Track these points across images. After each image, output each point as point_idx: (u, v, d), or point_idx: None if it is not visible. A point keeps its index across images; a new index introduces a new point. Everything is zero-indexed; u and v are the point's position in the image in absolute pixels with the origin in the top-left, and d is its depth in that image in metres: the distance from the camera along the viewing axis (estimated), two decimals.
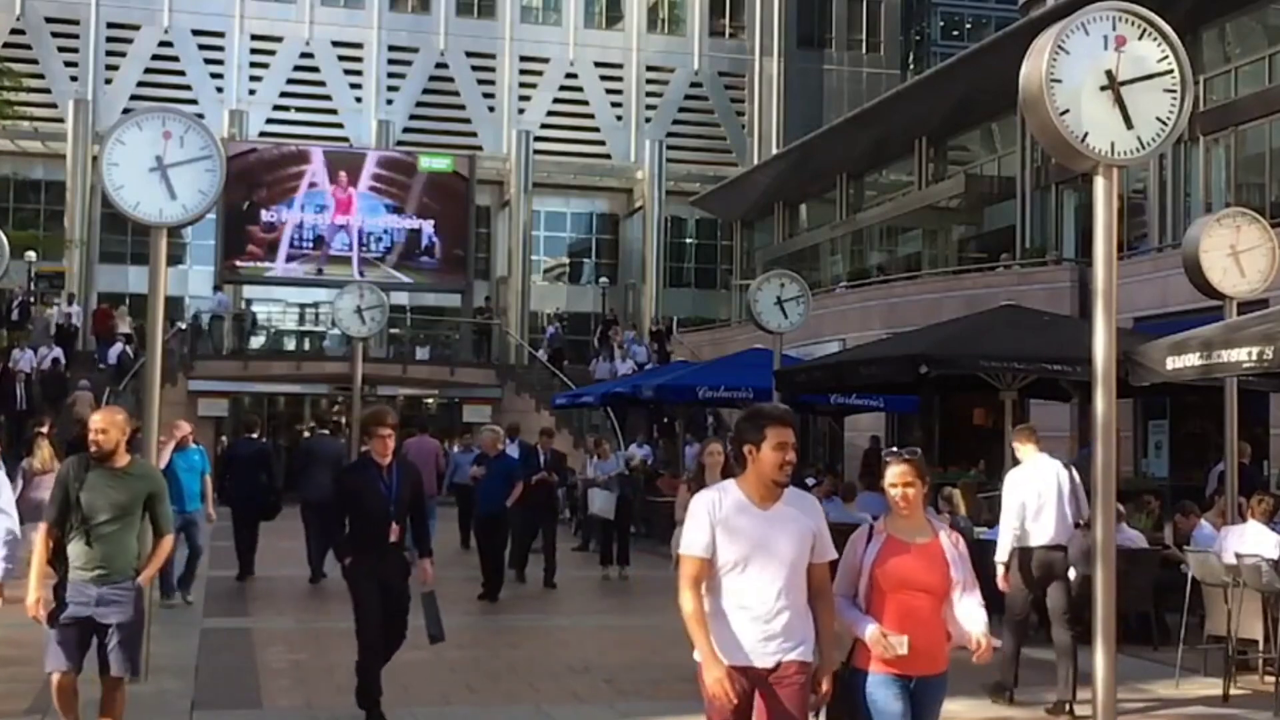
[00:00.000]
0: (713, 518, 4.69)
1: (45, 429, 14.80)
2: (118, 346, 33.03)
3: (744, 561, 4.66)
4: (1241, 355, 8.66)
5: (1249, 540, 9.61)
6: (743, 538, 4.68)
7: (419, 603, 8.15)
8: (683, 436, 26.43)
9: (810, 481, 17.38)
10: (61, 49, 43.00)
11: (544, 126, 45.09)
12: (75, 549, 6.43)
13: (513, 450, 16.65)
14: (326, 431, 20.27)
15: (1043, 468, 9.43)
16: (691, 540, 4.73)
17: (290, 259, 37.71)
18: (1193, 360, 9.19)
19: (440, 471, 19.34)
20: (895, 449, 5.18)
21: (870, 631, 4.88)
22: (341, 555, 7.99)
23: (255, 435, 16.42)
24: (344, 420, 23.86)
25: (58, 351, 30.80)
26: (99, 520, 6.40)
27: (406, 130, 44.11)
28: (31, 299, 34.13)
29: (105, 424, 6.48)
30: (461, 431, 23.41)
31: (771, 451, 4.67)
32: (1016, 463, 9.80)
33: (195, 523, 13.27)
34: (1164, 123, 6.35)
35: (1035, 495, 9.14)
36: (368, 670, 8.03)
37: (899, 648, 4.85)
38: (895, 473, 5.00)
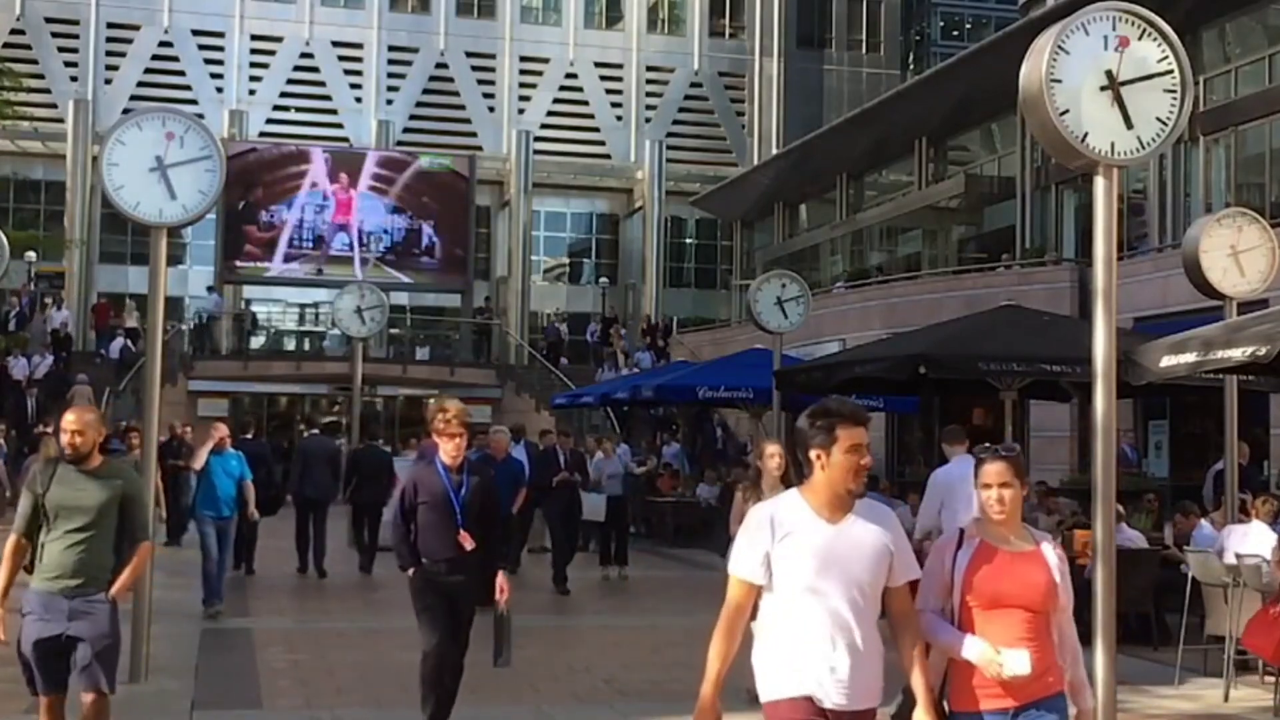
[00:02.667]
0: (771, 535, 4.09)
1: (50, 429, 14.85)
2: (119, 341, 33.06)
3: (811, 585, 4.05)
4: (1240, 355, 8.66)
5: (1251, 540, 9.61)
6: (809, 557, 4.07)
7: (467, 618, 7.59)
8: (693, 439, 26.46)
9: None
10: (61, 49, 42.99)
11: (544, 126, 45.09)
12: (46, 558, 6.02)
13: (518, 453, 16.27)
14: (317, 431, 20.21)
15: (965, 467, 9.84)
16: (741, 560, 4.15)
17: (290, 259, 37.74)
18: (1192, 360, 9.19)
19: None
20: (989, 445, 4.56)
21: (980, 650, 4.21)
22: (404, 564, 7.30)
23: (251, 435, 16.43)
24: (344, 420, 23.82)
25: (50, 361, 30.61)
26: (70, 527, 5.98)
27: (406, 130, 44.11)
28: (31, 304, 34.12)
29: (80, 424, 6.06)
30: (476, 432, 23.14)
31: (845, 456, 4.09)
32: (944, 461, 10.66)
33: (225, 531, 12.64)
34: (1164, 123, 6.36)
35: (954, 492, 9.77)
36: (435, 714, 7.42)
37: (1018, 666, 4.17)
38: (990, 471, 4.39)
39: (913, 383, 14.83)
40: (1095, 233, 6.46)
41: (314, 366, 36.05)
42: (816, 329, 25.36)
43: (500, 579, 7.30)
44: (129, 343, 32.26)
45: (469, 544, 7.10)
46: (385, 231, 38.25)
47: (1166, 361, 9.35)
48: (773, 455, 8.31)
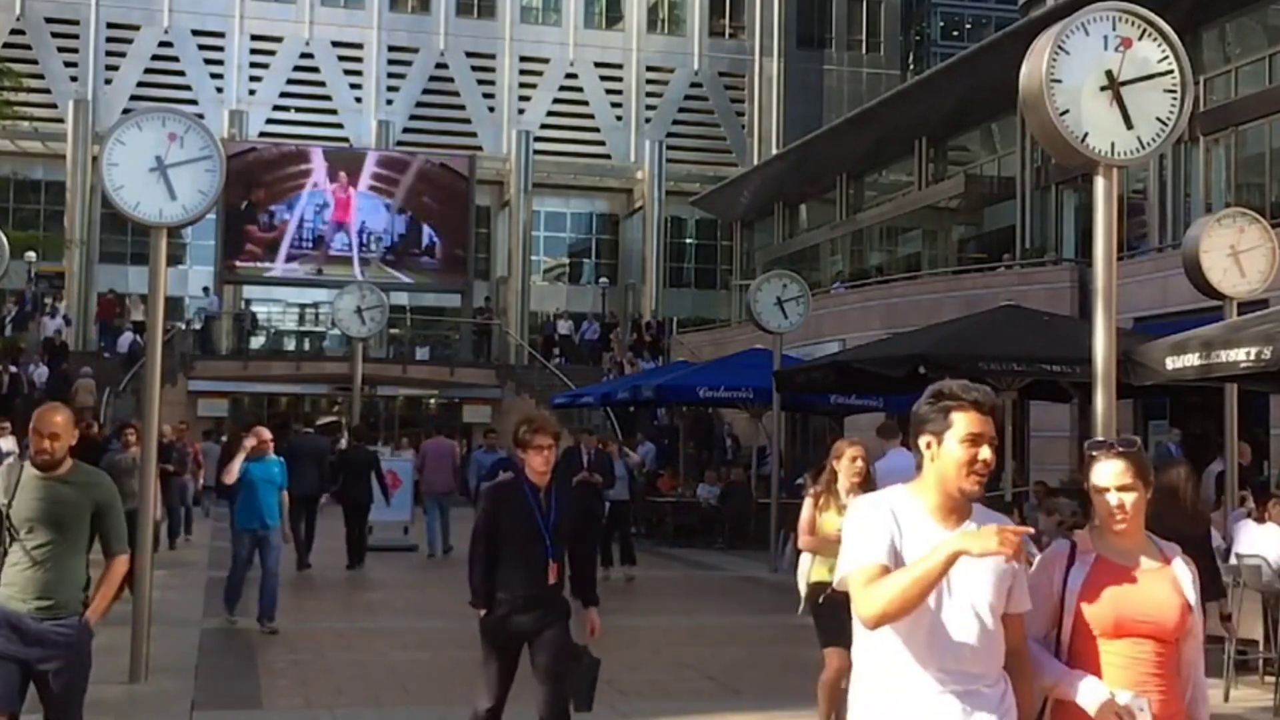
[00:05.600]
0: (896, 527, 3.36)
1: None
2: (128, 336, 33.08)
3: (926, 605, 3.30)
4: (1240, 355, 8.66)
5: (1261, 541, 9.58)
6: None
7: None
8: (695, 441, 26.40)
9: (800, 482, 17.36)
10: (61, 49, 43.00)
11: (544, 126, 45.10)
12: (10, 575, 5.31)
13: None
14: (310, 430, 20.27)
15: (901, 462, 10.64)
16: (865, 551, 3.34)
17: (290, 259, 37.74)
18: (1193, 360, 9.18)
19: (457, 469, 19.55)
20: (1101, 439, 3.81)
21: (1095, 696, 3.47)
22: (476, 602, 6.14)
23: None
24: (345, 421, 23.80)
25: (44, 371, 30.46)
26: (39, 542, 5.30)
27: (406, 130, 44.12)
28: (33, 303, 34.12)
29: (55, 427, 5.33)
30: (486, 430, 23.03)
31: (958, 446, 3.36)
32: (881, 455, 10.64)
33: (269, 541, 11.57)
34: (1164, 123, 6.36)
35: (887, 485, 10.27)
36: None
37: (1140, 714, 3.45)
38: (1107, 472, 3.61)
39: (912, 383, 14.81)
40: (1095, 233, 6.46)
41: (314, 366, 36.05)
42: (816, 329, 25.36)
43: (593, 616, 6.38)
44: (138, 338, 32.25)
45: (554, 576, 6.10)
46: (385, 231, 38.26)
47: (1171, 364, 9.35)
48: (855, 458, 7.27)
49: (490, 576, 6.06)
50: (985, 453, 3.35)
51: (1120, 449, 3.62)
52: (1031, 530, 3.18)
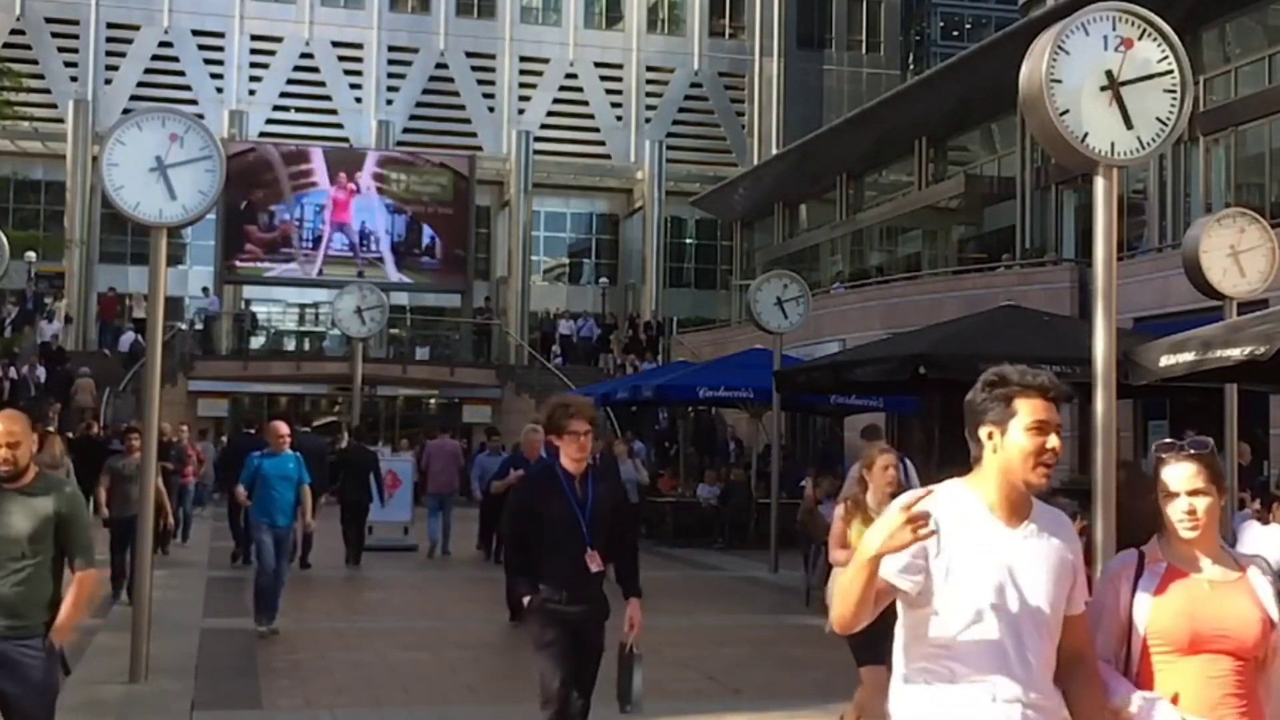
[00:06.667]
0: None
1: (51, 426, 14.86)
2: (129, 335, 33.08)
3: (982, 610, 3.06)
4: (1236, 353, 8.65)
5: (1266, 542, 9.56)
6: (984, 570, 3.09)
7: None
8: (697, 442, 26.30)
9: (802, 484, 17.36)
10: (61, 49, 42.99)
11: (544, 127, 45.09)
12: None
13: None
14: (308, 429, 20.34)
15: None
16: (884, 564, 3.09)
17: (290, 259, 37.74)
18: (1189, 359, 9.18)
19: (461, 469, 19.57)
20: (1171, 440, 3.50)
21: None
22: (522, 592, 6.00)
23: (254, 431, 16.60)
24: (346, 421, 23.82)
25: (40, 373, 30.44)
26: (3, 558, 5.00)
27: (406, 130, 44.12)
28: (30, 306, 34.10)
29: (15, 435, 5.01)
30: (489, 431, 22.93)
31: (1024, 435, 3.12)
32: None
33: (286, 541, 11.39)
34: (1164, 123, 6.36)
35: None
36: None
37: None
38: (1178, 476, 3.38)
39: (913, 383, 14.84)
40: (1095, 233, 6.46)
41: (314, 366, 36.06)
42: (816, 329, 25.37)
43: (633, 609, 6.07)
44: (139, 337, 32.27)
45: (596, 565, 5.92)
46: (385, 232, 38.26)
47: (1165, 361, 9.34)
48: (886, 467, 6.93)
49: (528, 561, 5.91)
50: (1053, 441, 3.12)
51: (1191, 450, 3.39)
52: (929, 510, 2.94)
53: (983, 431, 3.18)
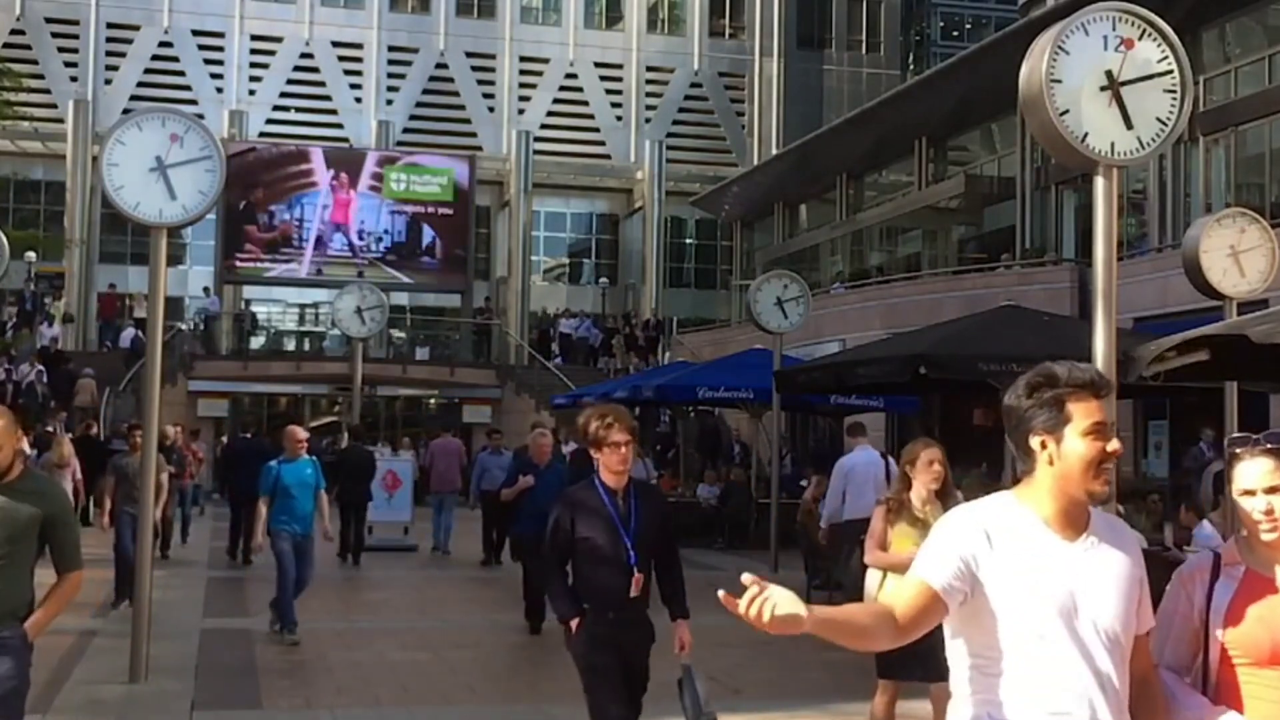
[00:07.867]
0: (988, 544, 2.83)
1: (56, 428, 14.85)
2: (130, 331, 33.08)
3: (1045, 631, 2.80)
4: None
5: None
6: (1046, 588, 2.81)
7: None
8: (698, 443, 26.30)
9: (805, 484, 17.36)
10: (61, 49, 43.00)
11: (544, 127, 45.10)
12: None
13: None
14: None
15: (865, 457, 12.07)
16: (926, 559, 2.88)
17: (290, 259, 37.75)
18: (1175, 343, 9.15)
19: (463, 468, 19.56)
20: (1241, 434, 3.26)
21: None
22: (565, 615, 5.60)
23: (250, 434, 16.60)
24: (346, 421, 23.81)
25: (37, 373, 30.34)
26: None
27: (406, 130, 44.12)
28: (30, 307, 34.09)
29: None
30: (490, 431, 22.79)
31: (1083, 442, 2.83)
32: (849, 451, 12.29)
33: (307, 550, 10.95)
34: (1164, 123, 6.36)
35: (858, 478, 11.36)
36: None
37: None
38: (1253, 472, 3.13)
39: (913, 383, 14.83)
40: (1095, 233, 6.46)
41: (314, 366, 36.07)
42: (816, 329, 25.36)
43: (683, 630, 5.75)
44: (140, 334, 32.24)
45: (637, 589, 5.56)
46: (385, 231, 38.27)
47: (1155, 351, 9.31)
48: (931, 462, 6.52)
49: (568, 587, 5.57)
50: (1114, 444, 2.84)
51: (1269, 445, 3.13)
52: (752, 580, 2.63)
53: (1034, 441, 2.87)
